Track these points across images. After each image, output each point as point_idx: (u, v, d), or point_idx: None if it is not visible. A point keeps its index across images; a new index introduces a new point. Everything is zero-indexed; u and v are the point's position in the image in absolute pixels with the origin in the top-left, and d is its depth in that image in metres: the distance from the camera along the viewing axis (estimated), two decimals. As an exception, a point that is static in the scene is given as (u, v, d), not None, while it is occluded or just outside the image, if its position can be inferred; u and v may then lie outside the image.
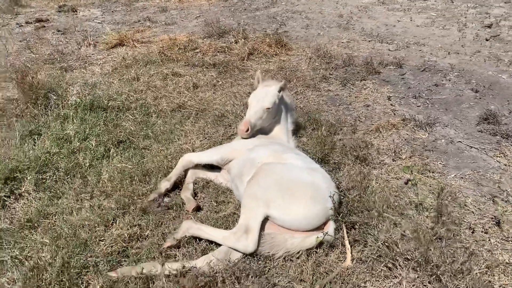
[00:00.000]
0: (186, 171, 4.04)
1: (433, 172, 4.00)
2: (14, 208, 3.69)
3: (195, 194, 3.86)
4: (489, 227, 3.29)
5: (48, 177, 4.01)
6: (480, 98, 5.48)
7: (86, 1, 12.68)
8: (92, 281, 2.89)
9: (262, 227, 3.10)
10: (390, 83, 6.10)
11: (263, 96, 4.00)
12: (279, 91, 4.06)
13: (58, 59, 7.32)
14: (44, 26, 9.88)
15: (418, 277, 2.82)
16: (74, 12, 11.26)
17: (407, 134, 4.67)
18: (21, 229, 3.41)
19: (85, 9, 11.75)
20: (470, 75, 6.17)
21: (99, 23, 10.21)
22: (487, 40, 7.59)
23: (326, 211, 3.09)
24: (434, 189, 3.64)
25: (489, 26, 8.32)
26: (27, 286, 2.80)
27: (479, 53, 7.08)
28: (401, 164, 4.08)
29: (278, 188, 3.12)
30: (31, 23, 10.14)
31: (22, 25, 9.93)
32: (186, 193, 3.78)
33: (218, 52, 7.63)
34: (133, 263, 3.06)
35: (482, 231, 3.25)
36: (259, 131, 4.08)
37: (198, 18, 10.36)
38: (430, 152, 4.35)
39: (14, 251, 3.12)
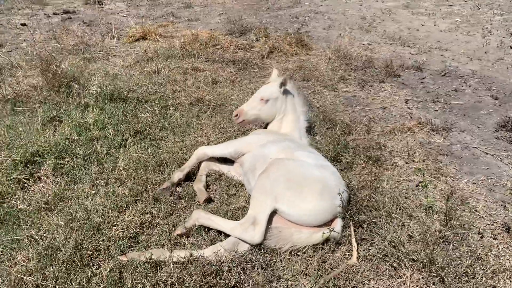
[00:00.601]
0: (199, 163, 4.12)
1: (445, 176, 3.98)
2: (33, 190, 3.82)
3: (207, 186, 3.94)
4: (498, 233, 3.27)
5: (66, 163, 4.14)
6: (500, 105, 5.41)
7: (112, -5, 12.93)
8: (103, 264, 2.99)
9: (269, 221, 3.15)
10: (409, 86, 6.07)
11: (263, 89, 4.23)
12: (280, 86, 4.16)
13: (82, 50, 7.50)
14: (71, 18, 10.13)
15: (422, 278, 2.83)
16: (100, 5, 11.50)
17: (422, 138, 4.65)
18: (38, 211, 3.53)
19: (111, 2, 11.98)
20: (491, 82, 6.09)
21: (124, 16, 10.41)
22: (511, 47, 7.47)
23: (333, 208, 3.12)
24: (445, 193, 3.63)
25: (515, 34, 8.19)
26: (41, 264, 2.90)
27: (502, 60, 6.98)
28: (414, 167, 4.07)
29: (287, 183, 3.16)
30: (59, 14, 10.41)
31: (49, 16, 10.20)
32: (198, 185, 3.85)
33: (239, 49, 7.71)
34: (143, 248, 3.14)
35: (491, 237, 3.23)
36: (267, 125, 4.27)
37: (221, 16, 10.46)
38: (444, 156, 4.33)
39: (30, 231, 3.24)
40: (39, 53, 6.72)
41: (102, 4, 11.58)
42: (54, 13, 10.42)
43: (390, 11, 10.49)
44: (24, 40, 8.25)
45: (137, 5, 11.73)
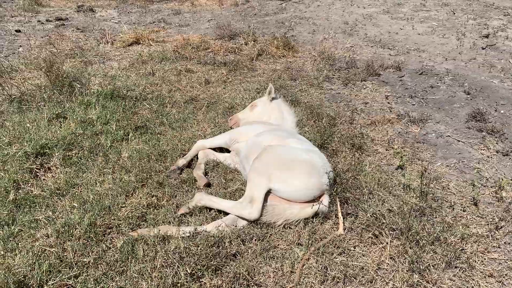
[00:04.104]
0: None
1: (422, 161, 4.41)
2: (44, 179, 4.12)
3: (206, 173, 4.29)
4: (467, 206, 3.69)
5: (74, 154, 4.44)
6: (471, 99, 5.90)
7: (103, 2, 13.25)
8: (115, 239, 3.31)
9: (265, 199, 3.51)
10: (389, 84, 6.53)
11: (256, 100, 5.00)
12: (269, 94, 4.78)
13: (79, 54, 7.81)
14: (64, 24, 10.42)
15: (401, 243, 3.22)
16: (92, 12, 11.80)
17: (401, 128, 5.09)
18: (51, 196, 3.83)
19: (102, 10, 12.29)
20: (464, 79, 6.59)
21: (116, 23, 10.73)
22: (483, 48, 8.02)
23: (321, 185, 3.50)
24: (420, 174, 4.04)
25: (486, 36, 8.75)
26: (59, 239, 3.22)
27: (474, 60, 7.51)
28: (393, 152, 4.49)
29: (279, 165, 3.54)
30: (52, 21, 10.68)
31: (43, 23, 10.46)
32: (198, 172, 4.21)
33: (229, 52, 8.11)
34: (151, 226, 3.47)
35: (460, 209, 3.65)
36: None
37: (210, 22, 10.86)
38: (420, 144, 4.77)
39: (47, 212, 3.55)
40: (38, 56, 7.03)
41: (94, 11, 11.88)
42: (47, 20, 10.69)
43: (371, 17, 11.02)
44: (20, 46, 8.51)
45: (128, 12, 12.07)
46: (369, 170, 4.12)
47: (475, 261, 3.09)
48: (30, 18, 11.04)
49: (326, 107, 5.71)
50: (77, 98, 5.39)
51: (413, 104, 5.80)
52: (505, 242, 3.30)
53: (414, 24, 10.06)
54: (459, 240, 3.26)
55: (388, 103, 5.85)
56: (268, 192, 3.54)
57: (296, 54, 8.05)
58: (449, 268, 3.02)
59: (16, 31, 9.57)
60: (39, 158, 4.28)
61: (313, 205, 3.42)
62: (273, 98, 4.82)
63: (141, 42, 8.69)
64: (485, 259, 3.14)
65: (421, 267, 2.97)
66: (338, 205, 3.58)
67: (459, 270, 3.01)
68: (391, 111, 5.58)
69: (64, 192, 3.89)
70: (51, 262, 2.97)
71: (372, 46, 8.50)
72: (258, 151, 3.86)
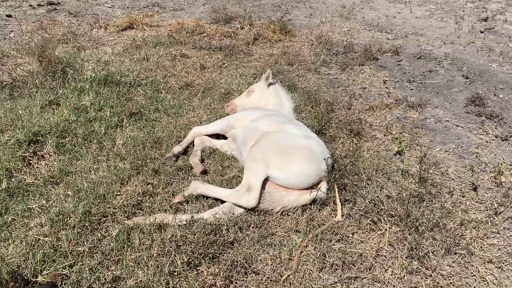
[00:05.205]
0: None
1: (420, 146, 4.37)
2: (38, 167, 4.06)
3: (202, 160, 4.23)
4: (466, 192, 3.66)
5: (67, 142, 4.36)
6: (470, 83, 5.84)
7: (96, -14, 12.97)
8: (111, 228, 3.26)
9: (262, 186, 3.47)
10: (387, 68, 6.45)
11: (252, 85, 4.89)
12: (266, 79, 4.69)
13: (71, 39, 7.66)
14: (56, 9, 10.22)
15: (399, 230, 3.19)
16: (84, -4, 11.56)
17: (399, 113, 5.03)
18: (45, 184, 3.77)
19: (95, -6, 12.05)
20: (462, 63, 6.52)
21: (109, 7, 10.54)
22: (481, 32, 7.93)
23: (319, 172, 3.45)
24: (419, 159, 4.00)
25: (485, 20, 8.65)
26: (53, 228, 3.17)
27: (473, 43, 7.42)
28: (392, 137, 4.44)
29: (277, 151, 3.49)
30: (43, 5, 10.47)
31: (34, 7, 10.26)
32: (194, 159, 4.14)
33: (225, 36, 7.98)
34: (146, 214, 3.42)
35: (459, 195, 3.62)
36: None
37: (205, 5, 10.68)
38: (419, 129, 4.72)
39: (41, 201, 3.49)
40: (29, 41, 6.88)
41: (86, -5, 11.64)
42: (38, 5, 10.49)
43: (369, 0, 10.88)
44: (11, 31, 8.35)
45: (121, -4, 11.84)
46: (367, 156, 4.07)
47: (474, 247, 3.06)
48: (21, 3, 10.82)
49: (324, 92, 5.64)
50: (70, 84, 5.29)
51: (411, 89, 5.73)
52: (504, 228, 3.28)
53: (412, 8, 9.94)
54: (458, 226, 3.24)
55: (386, 87, 5.78)
56: (266, 179, 3.49)
57: (293, 38, 7.94)
58: (448, 255, 3.00)
59: (7, 16, 9.38)
60: (32, 146, 4.20)
61: (311, 192, 3.38)
62: (270, 84, 4.75)
63: (135, 26, 8.54)
64: (484, 245, 3.11)
65: (420, 253, 2.94)
66: (336, 191, 3.54)
67: (458, 256, 2.98)
68: (389, 96, 5.52)
69: (58, 180, 3.82)
70: (45, 251, 2.93)
71: (369, 30, 8.39)
72: (255, 137, 3.81)
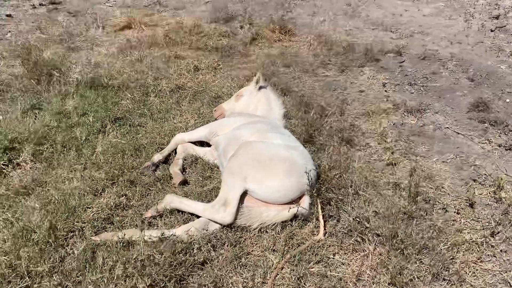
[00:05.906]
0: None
1: (416, 156, 4.08)
2: (11, 176, 3.88)
3: (183, 170, 4.02)
4: (462, 208, 3.38)
5: (45, 149, 4.19)
6: (475, 87, 5.51)
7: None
8: (77, 244, 3.07)
9: (241, 200, 3.24)
10: (388, 70, 6.16)
11: (241, 89, 4.67)
12: (256, 83, 4.44)
13: (67, 40, 7.51)
14: (57, 8, 10.11)
15: (385, 251, 2.93)
16: (86, -5, 11.44)
17: (396, 119, 4.75)
18: (16, 195, 3.60)
19: (97, -8, 11.92)
20: (468, 65, 6.18)
21: (110, 6, 10.39)
22: (492, 31, 7.55)
23: (301, 186, 3.21)
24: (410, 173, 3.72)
25: (496, 17, 8.26)
26: (15, 245, 2.98)
27: (481, 43, 7.07)
28: (385, 147, 4.17)
29: (255, 163, 3.25)
30: (45, 4, 10.37)
31: (35, 7, 10.16)
32: (174, 168, 3.93)
33: (223, 36, 7.76)
34: (116, 229, 3.22)
35: (454, 212, 3.34)
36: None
37: (207, 4, 10.46)
38: (416, 136, 4.43)
39: (6, 214, 3.31)
40: (22, 43, 6.75)
41: (88, -6, 11.52)
42: (40, 4, 10.38)
43: (376, -3, 10.53)
44: (9, 31, 8.24)
45: (124, -5, 11.69)
46: (357, 167, 3.81)
47: (466, 273, 2.79)
48: (24, 2, 10.74)
49: (318, 95, 5.37)
50: (55, 88, 5.13)
51: (411, 93, 5.43)
52: (501, 250, 3.00)
53: (420, 5, 9.57)
54: (450, 248, 2.96)
55: (385, 91, 5.48)
56: (245, 193, 3.26)
57: (293, 38, 7.67)
58: (436, 281, 2.74)
59: (7, 15, 9.29)
60: (7, 154, 4.03)
61: (290, 207, 3.13)
62: (261, 87, 4.51)
63: (133, 26, 8.35)
64: (477, 269, 2.85)
65: (404, 280, 2.68)
66: (319, 207, 3.28)
67: (447, 283, 2.72)
68: (387, 100, 5.22)
69: (30, 191, 3.65)
70: (2, 271, 2.74)
71: (373, 29, 8.07)
72: (236, 146, 3.58)
